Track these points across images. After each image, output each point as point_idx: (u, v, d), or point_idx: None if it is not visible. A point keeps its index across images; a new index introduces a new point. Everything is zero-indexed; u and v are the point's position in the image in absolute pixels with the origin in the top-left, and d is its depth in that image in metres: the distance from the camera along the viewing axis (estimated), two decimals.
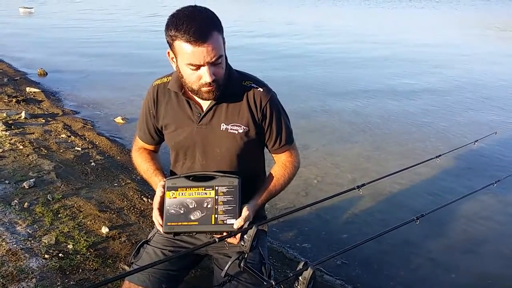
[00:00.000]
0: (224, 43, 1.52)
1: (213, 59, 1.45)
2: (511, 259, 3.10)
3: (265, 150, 1.83)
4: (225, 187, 1.58)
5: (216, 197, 1.57)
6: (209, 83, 1.49)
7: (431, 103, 7.05)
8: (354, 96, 7.38)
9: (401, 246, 3.16)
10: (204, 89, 1.52)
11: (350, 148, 5.04)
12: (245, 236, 1.42)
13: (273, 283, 1.25)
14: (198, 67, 1.46)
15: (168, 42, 1.48)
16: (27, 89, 6.90)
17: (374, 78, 8.89)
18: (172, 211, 1.56)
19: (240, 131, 1.65)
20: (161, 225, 1.57)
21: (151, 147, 1.88)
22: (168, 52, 1.54)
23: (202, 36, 1.40)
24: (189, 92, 1.63)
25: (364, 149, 5.02)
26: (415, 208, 3.56)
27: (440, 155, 2.58)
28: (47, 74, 8.44)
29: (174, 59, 1.53)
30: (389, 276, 2.88)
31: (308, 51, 12.28)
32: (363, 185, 1.92)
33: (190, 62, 1.45)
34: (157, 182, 1.69)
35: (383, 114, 6.42)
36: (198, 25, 1.40)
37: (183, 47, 1.43)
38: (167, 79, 1.71)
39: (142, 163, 1.83)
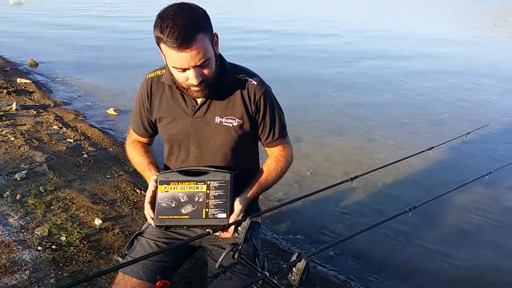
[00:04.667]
0: (213, 40, 1.50)
1: (198, 63, 1.44)
2: (503, 250, 3.14)
3: (259, 143, 1.83)
4: (217, 182, 1.59)
5: (208, 191, 1.57)
6: (197, 85, 1.49)
7: (423, 95, 7.08)
8: (346, 89, 7.38)
9: (393, 238, 3.19)
10: (193, 89, 1.53)
11: (343, 140, 5.05)
12: (239, 228, 1.42)
13: (267, 274, 1.25)
14: (184, 70, 1.46)
15: (155, 41, 1.47)
16: (18, 80, 6.82)
17: (366, 70, 8.88)
18: (164, 204, 1.57)
19: (235, 124, 1.65)
20: (153, 219, 1.57)
21: (145, 140, 1.88)
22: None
23: (184, 42, 1.37)
24: None
25: (356, 141, 5.03)
26: (407, 200, 3.59)
27: (432, 147, 2.59)
28: (38, 65, 8.34)
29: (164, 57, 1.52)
30: (381, 267, 2.90)
31: (300, 43, 12.25)
32: (356, 177, 1.93)
33: (175, 66, 1.45)
34: (150, 176, 1.69)
35: (376, 106, 6.43)
36: (181, 30, 1.36)
37: (168, 51, 1.42)
38: (161, 72, 1.70)
39: (136, 157, 1.83)
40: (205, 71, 1.49)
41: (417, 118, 5.92)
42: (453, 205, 3.63)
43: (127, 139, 1.94)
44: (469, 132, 2.99)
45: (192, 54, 1.40)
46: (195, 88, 1.52)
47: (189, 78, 1.48)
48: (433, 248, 3.13)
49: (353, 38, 13.28)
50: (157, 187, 1.60)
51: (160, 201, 1.57)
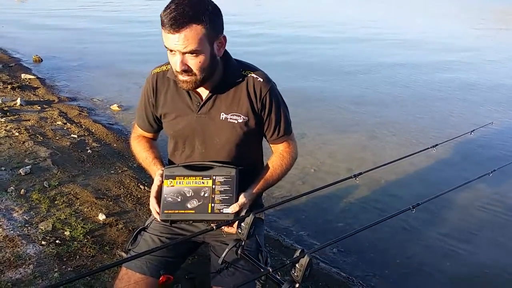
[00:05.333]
0: (215, 39, 1.48)
1: (183, 50, 1.42)
2: (505, 248, 3.14)
3: (264, 140, 1.83)
4: (223, 177, 1.59)
5: (213, 186, 1.57)
6: (180, 71, 1.48)
7: (427, 93, 7.06)
8: (351, 85, 7.37)
9: (397, 235, 3.19)
10: (179, 77, 1.51)
11: (347, 137, 5.04)
12: (242, 224, 1.43)
13: (270, 270, 1.25)
14: (172, 51, 1.46)
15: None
16: (22, 75, 6.84)
17: (370, 70, 8.84)
18: (170, 199, 1.57)
19: (240, 120, 1.64)
20: (158, 213, 1.58)
21: (150, 135, 1.88)
22: None
23: (175, 25, 1.37)
24: None
25: (360, 138, 5.02)
26: (411, 197, 3.59)
27: (436, 145, 2.58)
28: (42, 60, 8.35)
29: None
30: (384, 264, 2.90)
31: (305, 38, 12.23)
32: (360, 174, 1.93)
33: (165, 44, 1.45)
34: (156, 171, 1.69)
35: (380, 103, 6.42)
36: (178, 13, 1.37)
37: (162, 29, 1.42)
38: (166, 68, 1.70)
39: (141, 151, 1.83)
40: (191, 62, 1.47)
41: (421, 115, 5.90)
42: (457, 203, 3.62)
43: (132, 134, 1.94)
44: (473, 130, 2.98)
45: (179, 38, 1.39)
46: (181, 77, 1.51)
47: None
48: (436, 245, 3.12)
49: (357, 40, 13.21)
50: (162, 181, 1.60)
51: (165, 195, 1.58)
